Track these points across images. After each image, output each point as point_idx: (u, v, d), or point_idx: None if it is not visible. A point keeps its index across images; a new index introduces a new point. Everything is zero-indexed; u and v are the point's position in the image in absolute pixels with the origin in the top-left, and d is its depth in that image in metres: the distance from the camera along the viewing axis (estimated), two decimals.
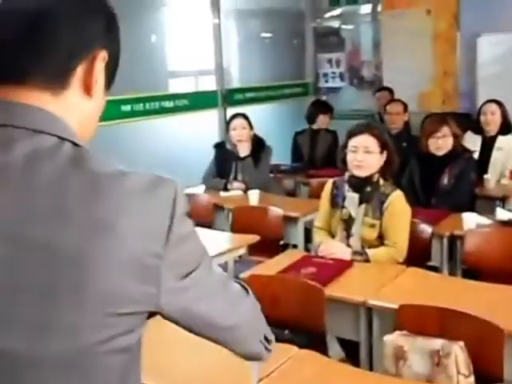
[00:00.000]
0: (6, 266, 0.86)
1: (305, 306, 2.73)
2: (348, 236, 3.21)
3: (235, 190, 4.79)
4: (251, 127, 4.91)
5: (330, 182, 3.37)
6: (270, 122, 6.58)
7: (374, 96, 6.64)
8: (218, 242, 3.75)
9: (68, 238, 0.86)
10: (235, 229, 4.21)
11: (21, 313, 0.86)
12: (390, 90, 6.42)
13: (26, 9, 0.93)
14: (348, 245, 3.18)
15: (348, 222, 3.21)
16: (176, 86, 6.23)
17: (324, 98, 7.42)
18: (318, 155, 5.95)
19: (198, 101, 6.04)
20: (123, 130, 5.21)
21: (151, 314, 0.97)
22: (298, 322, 2.76)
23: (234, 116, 4.96)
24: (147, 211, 0.91)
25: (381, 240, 3.16)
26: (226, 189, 4.85)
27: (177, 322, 1.01)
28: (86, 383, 0.91)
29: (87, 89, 0.97)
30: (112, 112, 4.90)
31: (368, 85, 7.39)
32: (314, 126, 5.99)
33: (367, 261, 3.08)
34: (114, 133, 4.70)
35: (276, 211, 4.10)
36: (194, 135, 5.99)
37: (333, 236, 3.31)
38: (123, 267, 0.89)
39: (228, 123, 4.96)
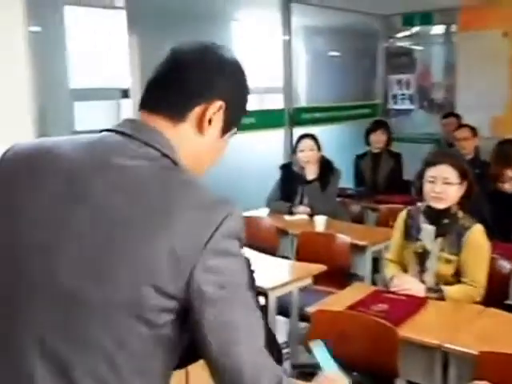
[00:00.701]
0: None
1: (375, 346, 2.56)
2: (422, 271, 3.02)
3: (300, 215, 4.65)
4: (319, 149, 4.77)
5: (404, 212, 3.19)
6: (336, 143, 6.42)
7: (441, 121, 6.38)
8: (282, 270, 3.63)
9: (139, 216, 1.10)
10: (300, 255, 4.07)
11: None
12: (457, 116, 6.14)
13: (175, 57, 1.27)
14: (421, 280, 2.99)
15: (422, 256, 3.02)
16: None
17: (394, 120, 7.22)
18: (380, 179, 5.75)
19: (264, 119, 5.92)
20: None
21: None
22: (367, 363, 2.60)
23: (302, 137, 4.82)
24: (196, 223, 1.09)
25: (457, 276, 2.95)
26: (290, 212, 4.72)
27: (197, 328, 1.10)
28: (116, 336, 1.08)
29: (199, 126, 1.24)
30: None
31: (438, 108, 7.14)
32: (372, 149, 5.79)
33: (442, 299, 2.88)
34: None
35: (343, 239, 3.93)
36: (259, 154, 5.89)
37: (405, 270, 3.13)
38: (163, 256, 1.07)
39: (296, 144, 4.82)
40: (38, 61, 4.08)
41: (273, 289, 3.24)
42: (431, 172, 2.98)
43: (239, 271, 1.14)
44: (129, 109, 4.79)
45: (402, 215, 3.18)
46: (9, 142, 1.30)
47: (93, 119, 5.01)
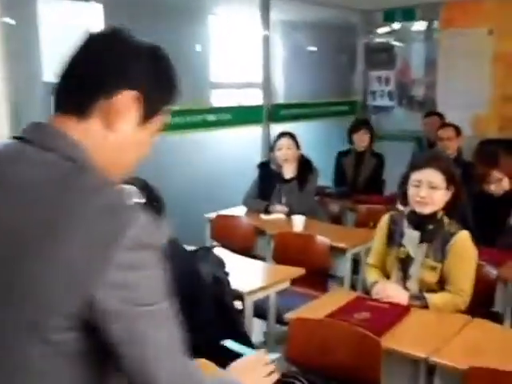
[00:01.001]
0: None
1: (358, 356, 2.44)
2: (405, 277, 2.91)
3: (277, 214, 4.53)
4: (298, 147, 4.64)
5: (386, 216, 3.07)
6: (314, 140, 6.30)
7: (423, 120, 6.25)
8: (259, 273, 3.51)
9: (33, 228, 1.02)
10: (277, 256, 3.95)
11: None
12: (440, 115, 5.99)
13: (84, 46, 1.16)
14: (404, 287, 2.88)
15: (405, 262, 2.90)
16: (219, 99, 6.00)
17: (373, 117, 7.12)
18: (361, 179, 5.63)
19: (241, 115, 5.79)
20: (164, 142, 5.02)
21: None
22: (348, 373, 2.49)
23: (281, 135, 4.69)
24: (96, 236, 1.00)
25: (441, 284, 2.85)
26: (267, 211, 4.60)
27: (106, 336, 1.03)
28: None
29: (107, 121, 1.13)
30: None
31: (418, 105, 7.03)
32: (356, 148, 5.67)
33: (426, 307, 2.77)
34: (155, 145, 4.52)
35: (322, 241, 3.81)
36: (236, 151, 5.76)
37: (387, 276, 3.01)
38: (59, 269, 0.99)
39: (274, 142, 4.69)
40: (11, 54, 3.97)
41: (250, 293, 3.11)
42: (416, 176, 2.86)
43: (149, 283, 1.05)
44: None
45: (385, 219, 3.06)
46: None
47: None
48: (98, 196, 1.04)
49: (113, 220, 1.02)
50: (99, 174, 1.11)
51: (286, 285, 3.37)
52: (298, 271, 3.43)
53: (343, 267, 3.86)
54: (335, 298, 2.91)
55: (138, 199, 2.25)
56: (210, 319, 2.62)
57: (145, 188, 2.37)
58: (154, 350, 1.05)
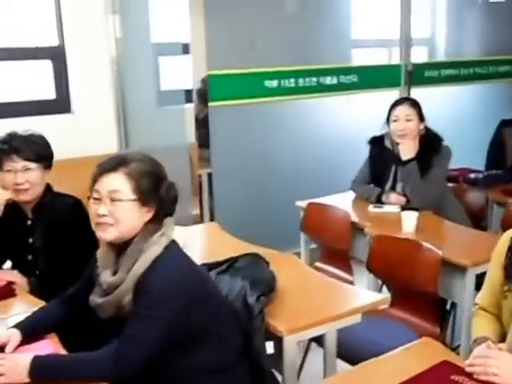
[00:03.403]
0: None
1: None
2: None
3: (390, 206, 3.43)
4: (422, 118, 3.47)
5: (508, 233, 1.91)
6: (467, 109, 5.01)
7: None
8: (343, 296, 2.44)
9: None
10: (373, 264, 2.92)
11: None
12: None
13: None
14: None
15: None
16: (345, 58, 4.91)
17: None
18: None
19: (371, 77, 4.70)
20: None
21: None
22: None
23: (398, 102, 3.54)
24: None
25: None
26: (379, 201, 3.51)
27: None
28: None
29: None
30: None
31: None
32: None
33: None
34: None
35: (431, 251, 2.68)
36: (364, 122, 4.67)
37: (503, 330, 1.87)
38: None
39: (389, 111, 3.55)
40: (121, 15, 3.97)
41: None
42: None
43: None
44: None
45: (504, 240, 1.90)
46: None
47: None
48: None
49: None
50: None
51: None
52: (384, 300, 2.38)
53: (461, 292, 2.70)
54: (420, 353, 1.85)
55: None
56: None
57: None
58: None
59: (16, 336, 1.88)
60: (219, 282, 2.24)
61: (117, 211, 1.81)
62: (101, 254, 1.95)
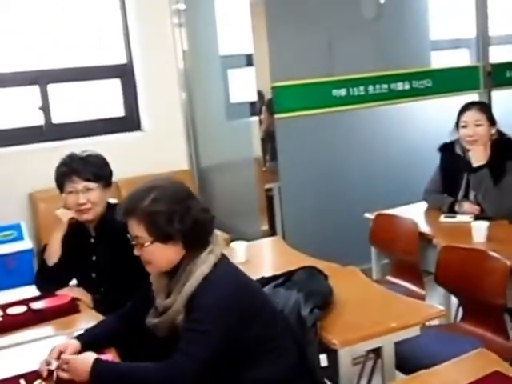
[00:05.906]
0: None
1: None
2: None
3: (463, 216, 3.29)
4: (492, 122, 3.32)
5: None
6: None
7: None
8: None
9: None
10: (440, 276, 2.81)
11: None
12: None
13: None
14: None
15: None
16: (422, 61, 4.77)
17: None
18: None
19: (447, 80, 4.55)
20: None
21: None
22: None
23: (466, 107, 3.40)
24: None
25: None
26: (452, 210, 3.39)
27: None
28: None
29: None
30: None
31: None
32: None
33: None
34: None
35: (499, 261, 2.55)
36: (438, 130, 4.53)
37: None
38: None
39: (458, 116, 3.42)
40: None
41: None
42: None
43: None
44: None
45: None
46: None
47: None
48: None
49: None
50: None
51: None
52: (440, 313, 2.30)
53: None
54: (469, 364, 1.82)
55: None
56: None
57: None
58: None
59: (75, 345, 1.96)
60: (275, 295, 2.24)
61: (146, 255, 1.90)
62: (154, 278, 2.01)
